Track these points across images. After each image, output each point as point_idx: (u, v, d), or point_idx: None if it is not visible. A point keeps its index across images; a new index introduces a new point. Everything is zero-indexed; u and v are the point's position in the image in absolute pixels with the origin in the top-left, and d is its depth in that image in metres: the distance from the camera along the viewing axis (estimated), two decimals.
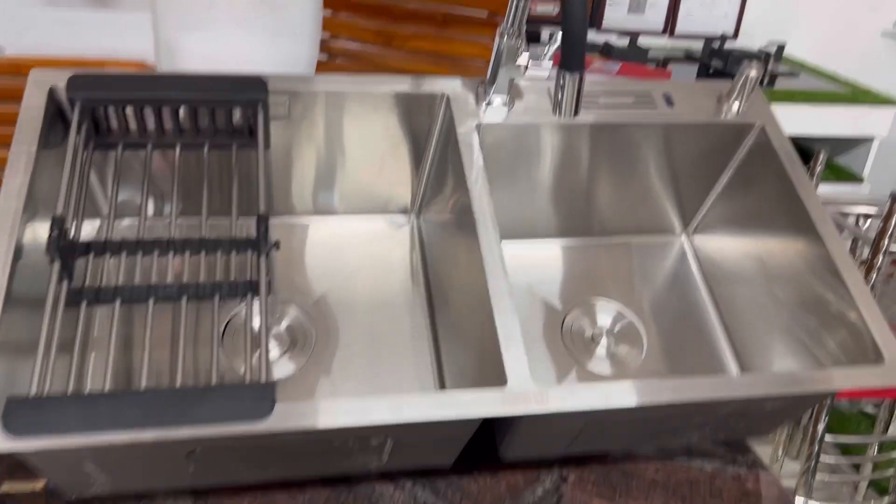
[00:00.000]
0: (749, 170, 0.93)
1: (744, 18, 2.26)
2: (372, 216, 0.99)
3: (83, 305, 0.70)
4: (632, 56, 2.01)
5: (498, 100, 0.85)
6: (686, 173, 0.98)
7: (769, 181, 0.89)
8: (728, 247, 0.99)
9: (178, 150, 0.83)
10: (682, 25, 2.21)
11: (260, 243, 0.72)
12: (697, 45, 2.19)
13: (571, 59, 0.57)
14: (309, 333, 0.88)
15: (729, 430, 0.83)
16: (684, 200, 1.02)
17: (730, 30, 2.26)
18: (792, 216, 0.85)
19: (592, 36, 2.14)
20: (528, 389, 0.65)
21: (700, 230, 1.04)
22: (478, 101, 0.86)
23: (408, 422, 0.61)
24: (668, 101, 0.90)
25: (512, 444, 0.79)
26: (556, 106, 0.61)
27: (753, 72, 0.88)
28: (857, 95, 2.03)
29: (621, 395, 0.66)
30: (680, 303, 1.00)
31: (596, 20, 2.14)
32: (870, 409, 2.18)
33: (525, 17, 0.77)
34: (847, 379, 0.72)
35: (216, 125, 0.84)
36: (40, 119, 0.74)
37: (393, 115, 0.89)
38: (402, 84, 0.87)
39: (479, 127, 0.83)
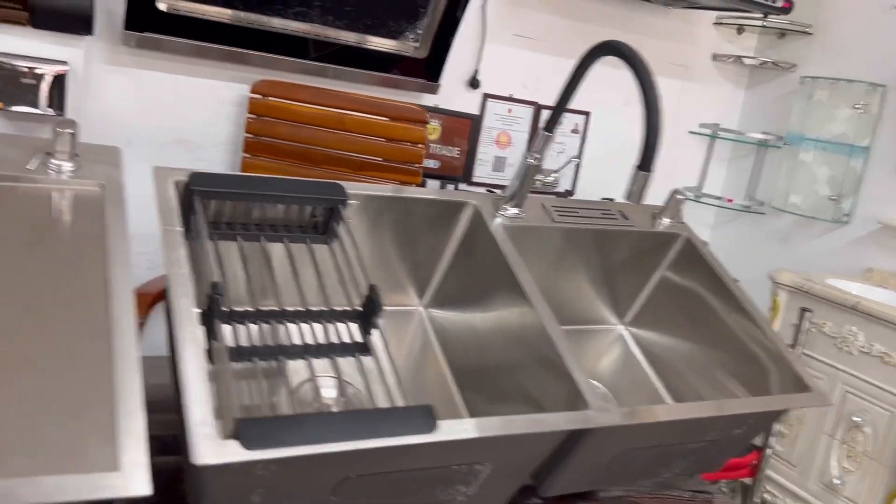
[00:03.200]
0: (679, 267, 1.25)
1: (579, 178, 2.78)
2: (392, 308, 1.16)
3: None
4: None
5: (513, 210, 1.10)
6: (627, 272, 1.27)
7: (699, 277, 1.21)
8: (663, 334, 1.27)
9: (262, 241, 0.97)
10: None
11: (376, 307, 0.88)
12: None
13: (646, 162, 0.84)
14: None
15: (701, 459, 1.07)
16: (621, 295, 1.31)
17: (569, 187, 2.74)
18: (726, 302, 1.16)
19: (465, 187, 2.50)
20: (607, 408, 0.85)
21: (634, 322, 1.32)
22: (496, 210, 1.10)
23: (546, 431, 0.78)
24: (623, 215, 1.20)
25: (555, 481, 0.96)
26: (629, 195, 0.87)
27: (680, 195, 1.21)
28: None
29: (674, 411, 0.88)
30: (630, 376, 1.26)
31: (468, 174, 2.52)
32: None
33: (547, 146, 1.04)
34: (788, 401, 1.00)
35: (295, 222, 0.99)
36: (177, 206, 0.86)
37: (426, 220, 1.10)
38: (438, 195, 1.09)
39: (506, 229, 1.07)
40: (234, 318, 0.86)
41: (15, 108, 1.66)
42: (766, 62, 2.93)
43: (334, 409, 0.98)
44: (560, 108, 0.98)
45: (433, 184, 2.41)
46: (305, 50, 2.08)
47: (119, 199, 0.84)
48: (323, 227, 1.01)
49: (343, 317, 0.92)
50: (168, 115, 2.04)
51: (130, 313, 0.73)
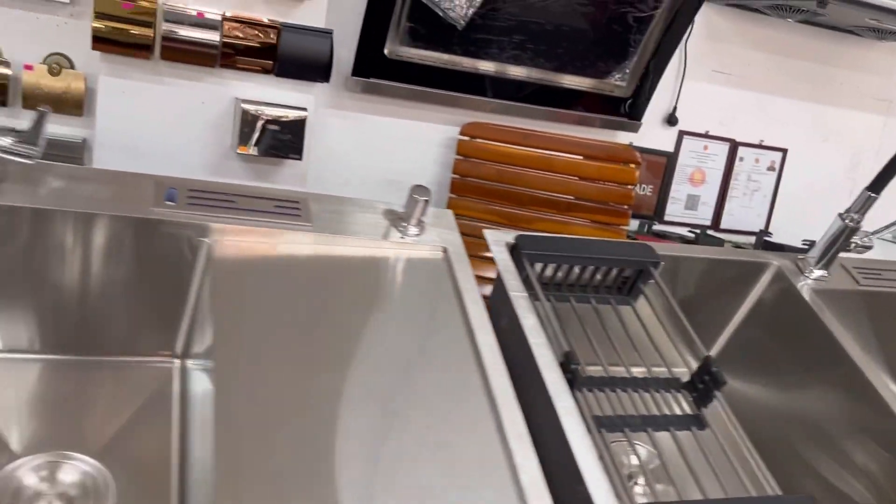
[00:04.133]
0: None
1: (773, 218, 2.66)
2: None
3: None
4: (714, 244, 2.32)
5: (819, 272, 1.04)
6: None
7: None
8: None
9: (571, 301, 0.96)
10: (724, 221, 2.57)
11: (718, 381, 0.84)
12: (736, 238, 2.55)
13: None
14: None
15: None
16: None
17: (761, 226, 2.63)
18: None
19: (657, 227, 2.44)
20: None
21: None
22: (801, 272, 1.04)
23: None
24: None
25: None
26: None
27: None
28: None
29: None
30: None
31: (660, 213, 2.46)
32: None
33: (868, 208, 0.98)
34: None
35: (601, 282, 0.98)
36: (514, 269, 0.86)
37: (719, 279, 1.06)
38: (739, 255, 1.05)
39: (818, 293, 1.01)
40: (586, 384, 0.84)
41: (261, 154, 1.75)
42: None
43: (640, 481, 0.95)
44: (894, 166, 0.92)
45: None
46: (507, 91, 2.09)
47: (465, 264, 0.85)
48: (628, 287, 0.99)
49: (669, 386, 0.89)
50: (380, 156, 2.11)
51: (509, 387, 0.73)
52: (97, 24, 1.54)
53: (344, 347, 0.73)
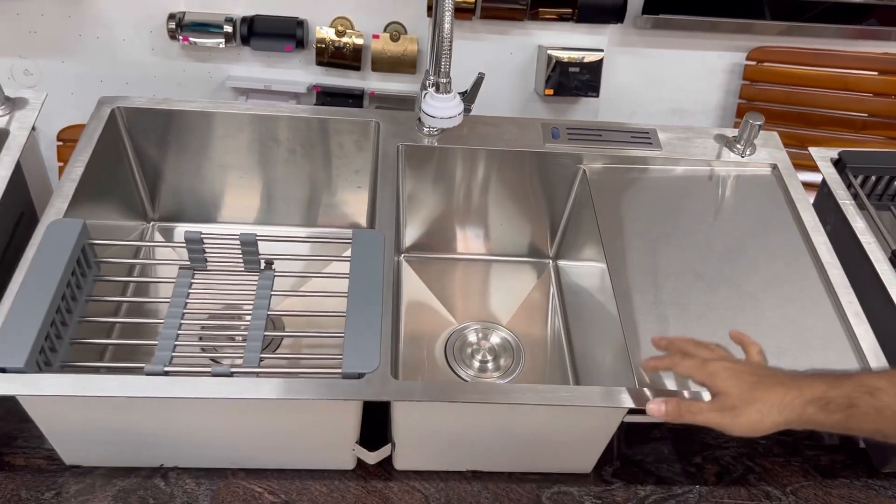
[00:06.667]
0: None
1: None
2: None
3: None
4: None
5: None
6: None
7: None
8: None
9: (893, 210, 1.06)
10: None
11: None
12: None
13: None
14: None
15: None
16: None
17: None
18: None
19: None
20: None
21: None
22: None
23: None
24: None
25: None
26: None
27: None
28: None
29: None
30: None
31: None
32: None
33: None
34: None
35: None
36: (839, 180, 1.00)
37: None
38: None
39: None
40: None
41: (560, 95, 1.98)
42: None
43: None
44: None
45: None
46: (793, 12, 2.09)
47: (794, 178, 1.00)
48: None
49: None
50: (664, 87, 2.23)
51: (843, 276, 0.89)
52: None
53: (698, 243, 0.93)
